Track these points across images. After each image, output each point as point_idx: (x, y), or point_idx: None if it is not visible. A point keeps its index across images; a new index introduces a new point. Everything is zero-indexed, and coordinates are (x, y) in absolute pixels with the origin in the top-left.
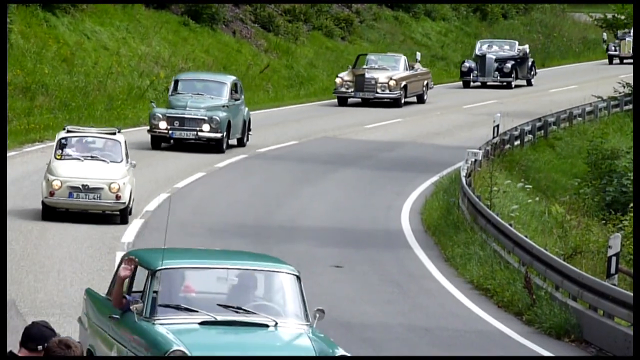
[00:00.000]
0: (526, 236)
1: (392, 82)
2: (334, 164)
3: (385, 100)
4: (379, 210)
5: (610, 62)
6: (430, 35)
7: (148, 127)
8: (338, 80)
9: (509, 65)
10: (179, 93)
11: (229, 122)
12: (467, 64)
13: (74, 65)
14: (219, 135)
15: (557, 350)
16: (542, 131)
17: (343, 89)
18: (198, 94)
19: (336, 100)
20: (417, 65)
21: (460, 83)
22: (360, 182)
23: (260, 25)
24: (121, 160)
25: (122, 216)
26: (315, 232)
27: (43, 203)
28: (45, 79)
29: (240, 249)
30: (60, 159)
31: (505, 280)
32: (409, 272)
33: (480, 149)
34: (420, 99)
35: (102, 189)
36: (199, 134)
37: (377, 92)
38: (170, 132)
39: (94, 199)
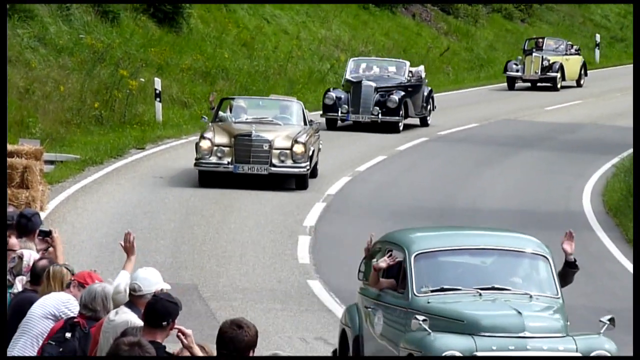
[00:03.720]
0: None
1: (298, 148)
2: (514, 146)
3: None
4: (559, 192)
5: (512, 87)
6: (609, 17)
7: None
8: (205, 144)
9: (396, 97)
10: None
11: None
12: (333, 94)
13: (254, 49)
14: None
15: None
16: None
17: (213, 159)
18: None
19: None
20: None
21: None
22: (541, 164)
23: (439, 8)
24: None
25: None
26: (497, 213)
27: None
28: (225, 63)
29: None
30: None
31: None
32: (591, 254)
33: None
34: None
35: None
36: None
37: (274, 165)
38: None
39: None
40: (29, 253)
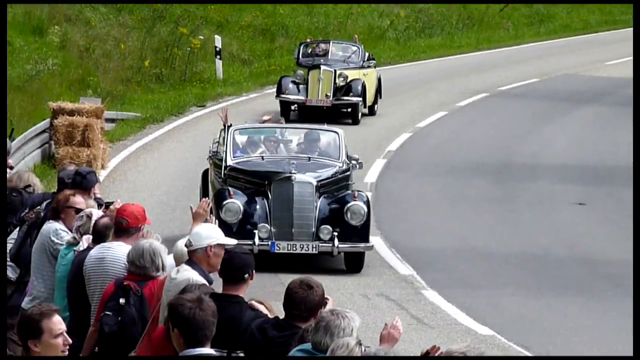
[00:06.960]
0: None
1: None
2: (574, 101)
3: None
4: (620, 147)
5: (286, 117)
6: None
7: None
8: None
9: (360, 203)
10: None
11: None
12: (237, 204)
13: (313, 6)
14: None
15: None
16: None
17: None
18: None
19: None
20: None
21: None
22: (601, 118)
23: None
24: None
25: None
26: (557, 169)
27: None
28: (285, 20)
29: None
30: None
31: None
32: None
33: None
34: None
35: None
36: None
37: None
38: None
39: None
40: (97, 212)
